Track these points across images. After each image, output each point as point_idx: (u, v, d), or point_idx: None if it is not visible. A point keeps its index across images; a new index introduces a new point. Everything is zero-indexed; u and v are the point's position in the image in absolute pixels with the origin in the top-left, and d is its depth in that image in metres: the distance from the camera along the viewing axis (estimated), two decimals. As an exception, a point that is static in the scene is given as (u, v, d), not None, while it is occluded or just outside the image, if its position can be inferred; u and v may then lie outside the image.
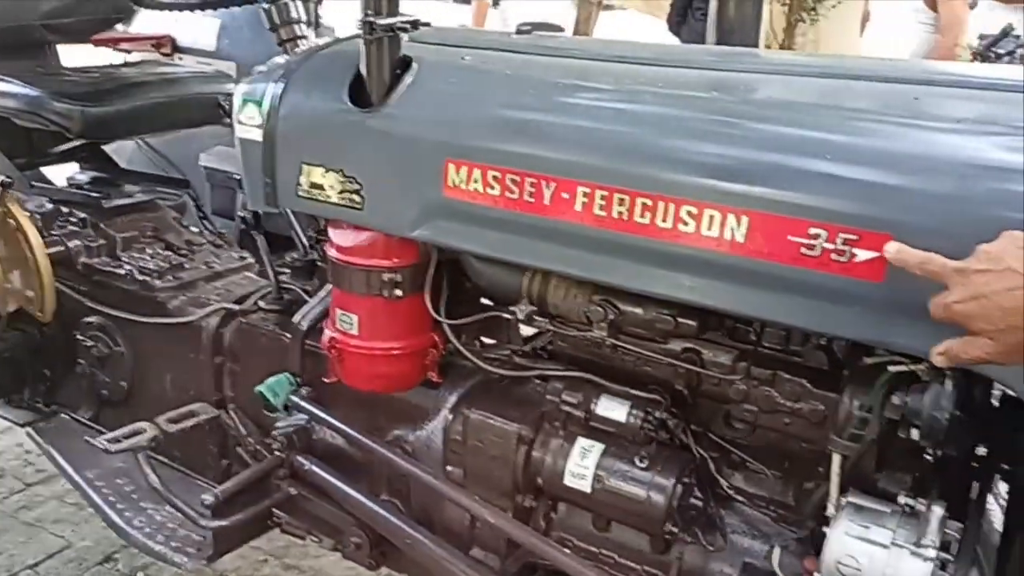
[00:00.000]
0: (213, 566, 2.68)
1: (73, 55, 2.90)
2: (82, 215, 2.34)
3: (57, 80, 2.32)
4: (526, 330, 1.65)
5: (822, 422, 1.32)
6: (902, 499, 1.20)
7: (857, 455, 1.24)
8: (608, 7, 11.50)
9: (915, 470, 1.27)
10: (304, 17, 1.96)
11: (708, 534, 1.48)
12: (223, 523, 1.78)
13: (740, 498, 1.48)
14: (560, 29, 1.82)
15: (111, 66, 2.70)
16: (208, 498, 1.75)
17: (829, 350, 1.35)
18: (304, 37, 1.92)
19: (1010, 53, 3.75)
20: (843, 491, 1.27)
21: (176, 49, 3.10)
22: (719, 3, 1.79)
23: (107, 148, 2.76)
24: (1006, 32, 3.39)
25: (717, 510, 1.49)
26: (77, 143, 2.40)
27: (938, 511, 1.18)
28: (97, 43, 3.12)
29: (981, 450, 1.39)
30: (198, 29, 3.02)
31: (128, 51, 3.15)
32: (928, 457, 1.22)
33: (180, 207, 2.61)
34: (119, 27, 3.12)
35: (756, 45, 1.83)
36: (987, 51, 3.74)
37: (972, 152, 1.08)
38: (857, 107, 1.20)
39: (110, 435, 1.85)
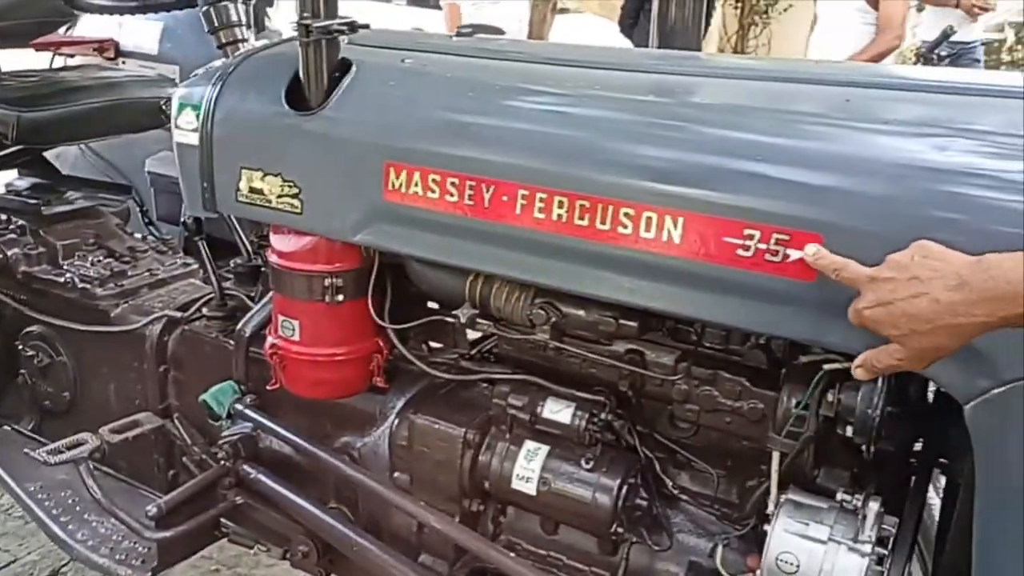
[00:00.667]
0: (164, 577, 2.64)
1: (13, 59, 2.83)
2: (21, 222, 2.29)
3: (-17, 84, 2.27)
4: (473, 334, 1.65)
5: (762, 420, 1.33)
6: (839, 495, 1.22)
7: (795, 452, 1.25)
8: (564, 10, 11.55)
9: (853, 466, 1.29)
10: (244, 20, 1.93)
11: (654, 534, 1.48)
12: (167, 534, 1.75)
13: (685, 497, 1.49)
14: (501, 32, 1.82)
15: (50, 70, 2.64)
16: (152, 509, 1.72)
17: (768, 349, 1.36)
18: (244, 40, 1.88)
19: (952, 56, 3.83)
20: (783, 488, 1.28)
21: (119, 53, 3.04)
22: (660, 6, 1.80)
23: (49, 154, 2.70)
24: (946, 35, 3.46)
25: (663, 510, 1.49)
26: (14, 149, 2.34)
27: (874, 507, 1.19)
28: (38, 47, 3.05)
29: (918, 445, 1.42)
30: (141, 33, 2.97)
31: (70, 55, 3.08)
32: (865, 453, 1.23)
33: (123, 213, 2.56)
34: (61, 31, 3.06)
35: (698, 48, 1.84)
36: (929, 53, 3.81)
37: (900, 153, 1.09)
38: (790, 109, 1.21)
39: (51, 447, 1.81)
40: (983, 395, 1.04)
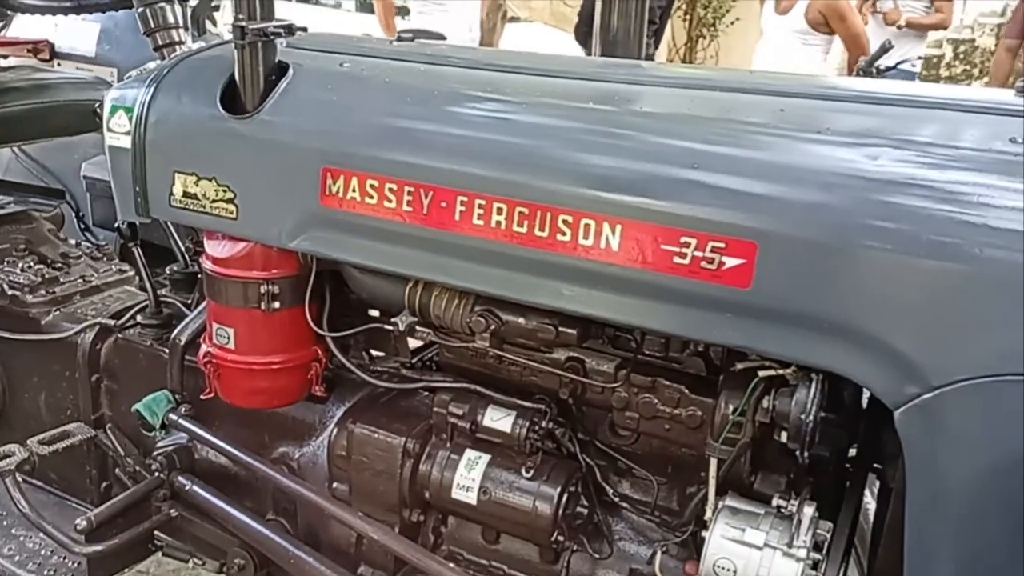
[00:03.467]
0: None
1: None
2: (-53, 228, 2.21)
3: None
4: (415, 343, 1.63)
5: (700, 427, 1.34)
6: (775, 501, 1.23)
7: (732, 459, 1.26)
8: (514, 19, 11.58)
9: (789, 472, 1.30)
10: (181, 22, 1.90)
11: (595, 542, 1.48)
12: (98, 548, 1.70)
13: (626, 505, 1.48)
14: (442, 37, 1.80)
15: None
16: (81, 523, 1.67)
17: (707, 357, 1.37)
18: (181, 42, 1.85)
19: (890, 68, 3.92)
20: (722, 495, 1.29)
21: (54, 55, 2.96)
22: (602, 16, 1.80)
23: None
24: (885, 48, 3.54)
25: (604, 517, 1.49)
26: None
27: (808, 512, 1.20)
28: (-31, 47, 2.96)
29: (854, 451, 1.43)
30: (77, 34, 2.89)
31: (3, 56, 2.99)
32: (800, 458, 1.25)
33: (57, 218, 2.49)
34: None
35: (639, 57, 1.85)
36: (869, 67, 3.89)
37: (834, 162, 1.10)
38: (726, 118, 1.22)
39: (-27, 459, 1.75)
40: (912, 401, 1.05)
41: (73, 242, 2.49)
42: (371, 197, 1.34)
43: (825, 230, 1.07)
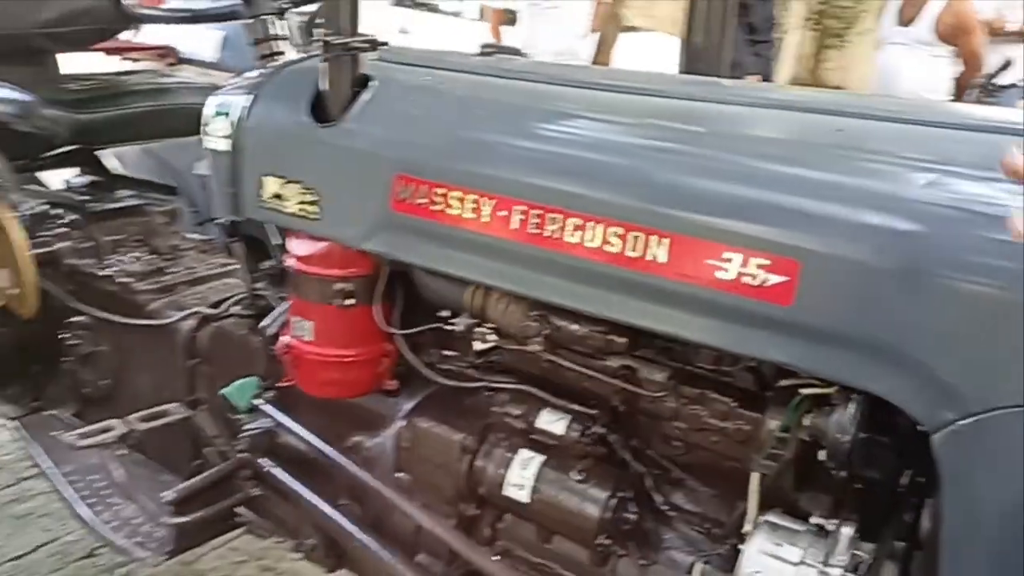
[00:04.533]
0: (191, 565, 2.75)
1: (84, 61, 3.00)
2: (71, 218, 2.41)
3: (52, 87, 2.40)
4: (482, 346, 1.69)
5: (747, 441, 1.35)
6: (815, 519, 1.23)
7: (775, 475, 1.27)
8: (631, 29, 11.54)
9: (836, 493, 1.30)
10: (286, 33, 2.02)
11: (643, 548, 1.50)
12: (183, 519, 1.83)
13: (675, 515, 1.50)
14: (520, 53, 1.87)
15: (107, 74, 2.78)
16: (169, 495, 1.81)
17: (758, 372, 1.38)
18: (282, 53, 1.98)
19: (1010, 87, 3.78)
20: (766, 511, 1.30)
21: (179, 60, 3.19)
22: (688, 31, 1.83)
23: (109, 153, 2.84)
24: (1005, 65, 3.42)
25: (654, 526, 1.51)
26: (70, 148, 2.48)
27: (847, 531, 1.20)
28: (109, 52, 3.21)
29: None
30: (201, 41, 3.11)
31: (135, 59, 3.24)
32: (847, 479, 1.25)
33: (171, 213, 2.68)
34: (128, 37, 3.21)
35: (722, 73, 1.87)
36: (988, 84, 3.76)
37: (880, 184, 1.11)
38: (778, 136, 1.23)
39: (80, 431, 1.92)
40: (949, 426, 1.04)
41: (187, 235, 2.67)
42: (436, 204, 1.41)
43: (869, 252, 1.08)
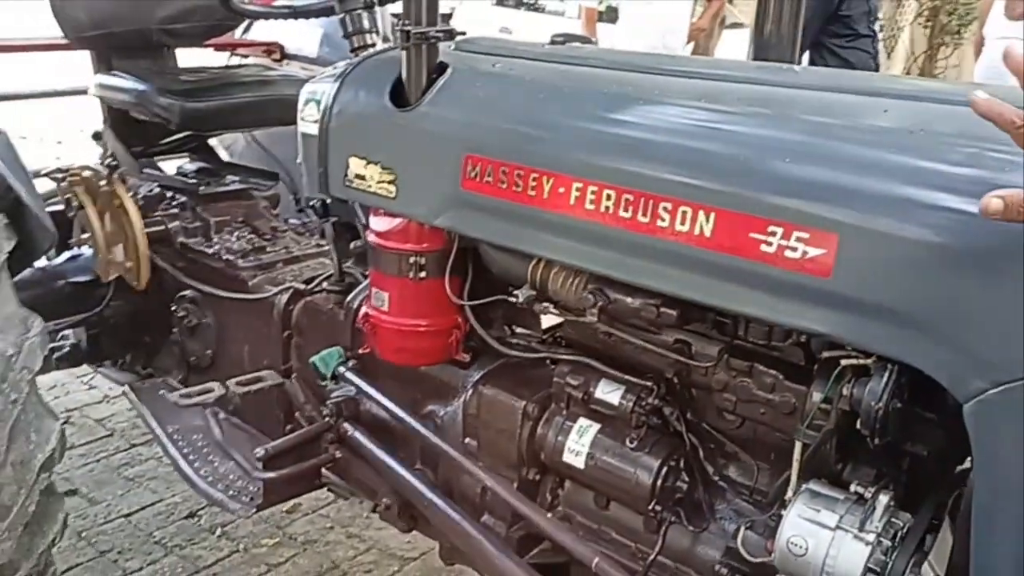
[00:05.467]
0: (284, 529, 2.93)
1: (197, 58, 3.23)
2: (183, 200, 2.62)
3: (166, 78, 2.61)
4: (550, 322, 1.78)
5: (793, 413, 1.39)
6: (854, 487, 1.27)
7: (817, 444, 1.31)
8: (737, 25, 11.42)
9: (876, 463, 1.33)
10: (375, 27, 2.16)
11: (694, 517, 1.56)
12: (272, 475, 1.98)
13: (726, 486, 1.56)
14: (591, 41, 1.94)
15: (217, 68, 2.99)
16: (260, 451, 1.96)
17: (806, 347, 1.42)
18: (372, 45, 2.11)
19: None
20: (809, 480, 1.34)
21: (284, 55, 3.38)
22: (757, 20, 1.87)
23: (219, 142, 3.06)
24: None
25: (705, 496, 1.57)
26: (184, 135, 2.69)
27: (884, 499, 1.24)
28: (217, 48, 3.43)
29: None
30: (303, 37, 3.29)
31: (244, 55, 3.45)
32: (887, 451, 1.28)
33: (273, 198, 2.87)
34: (237, 34, 3.43)
35: (793, 61, 1.90)
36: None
37: (917, 161, 1.14)
38: (822, 116, 1.27)
39: (184, 391, 2.10)
40: (980, 395, 1.07)
41: (287, 219, 2.85)
42: (503, 182, 1.51)
43: (902, 225, 1.12)
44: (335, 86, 1.81)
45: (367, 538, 2.91)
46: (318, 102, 1.83)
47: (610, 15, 7.34)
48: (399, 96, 1.70)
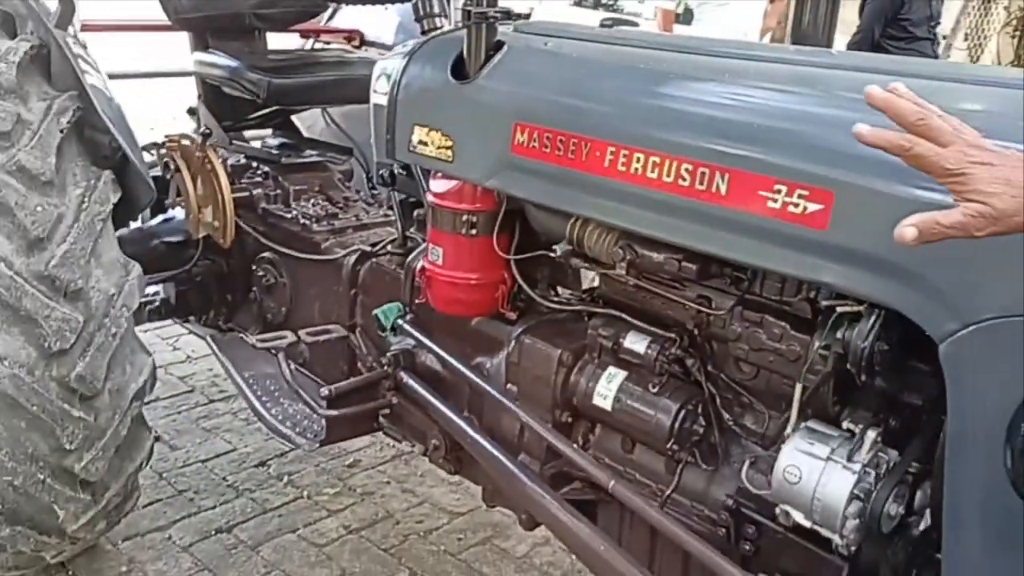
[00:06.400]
0: (345, 480, 3.16)
1: (285, 43, 3.49)
2: (266, 170, 2.87)
3: (257, 57, 2.86)
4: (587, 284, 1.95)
5: (797, 360, 1.53)
6: (845, 424, 1.41)
7: (815, 386, 1.45)
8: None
9: (867, 403, 1.46)
10: (444, 10, 2.36)
11: (708, 458, 1.71)
12: (334, 413, 2.19)
13: (740, 432, 1.70)
14: (636, 24, 2.10)
15: (303, 50, 3.24)
16: (324, 391, 2.17)
17: (814, 301, 1.55)
18: (441, 28, 2.31)
19: None
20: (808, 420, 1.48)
21: (363, 42, 3.61)
22: (795, 11, 2.01)
23: (299, 120, 3.31)
24: None
25: (719, 439, 1.71)
26: (269, 111, 2.94)
27: (871, 435, 1.38)
28: (303, 33, 3.69)
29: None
30: (381, 25, 3.51)
31: (327, 42, 3.70)
32: (878, 393, 1.41)
33: (347, 172, 3.10)
34: (322, 22, 3.68)
35: (829, 46, 2.03)
36: None
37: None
38: (830, 89, 1.41)
39: (260, 336, 2.33)
40: (953, 335, 1.20)
41: (357, 190, 3.08)
42: (547, 147, 1.68)
43: (889, 183, 1.25)
44: (404, 62, 2.01)
45: (420, 493, 3.12)
46: (388, 76, 2.04)
47: (686, 17, 7.45)
48: (459, 71, 1.89)
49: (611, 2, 12.06)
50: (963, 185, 1.00)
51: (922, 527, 1.42)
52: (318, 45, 3.56)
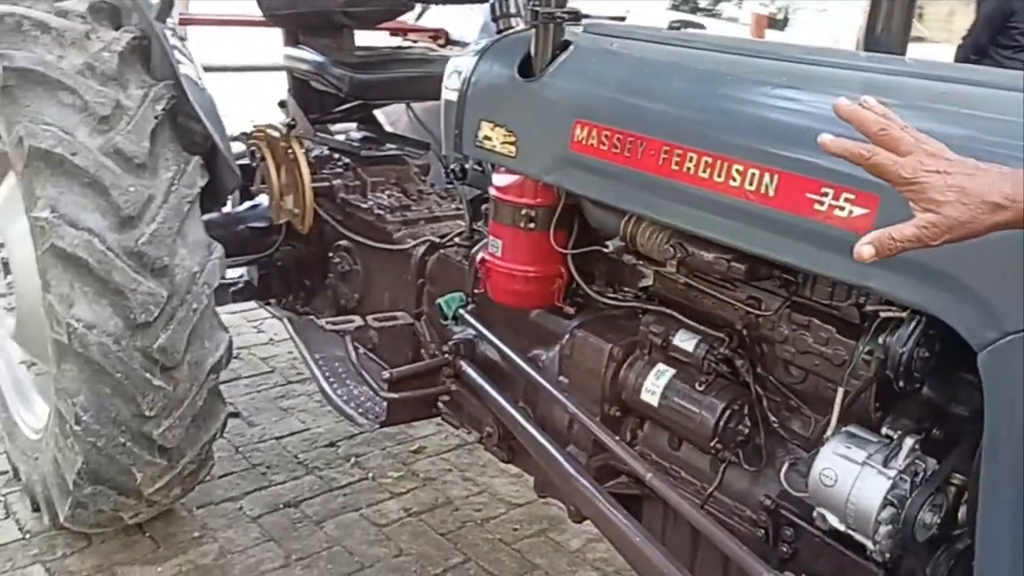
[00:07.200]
0: (409, 466, 3.25)
1: (373, 40, 3.60)
2: (346, 161, 2.98)
3: (343, 53, 2.98)
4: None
5: (843, 365, 1.52)
6: (884, 430, 1.40)
7: (857, 391, 1.44)
8: (920, 39, 10.95)
9: (909, 411, 1.45)
10: (522, 12, 2.41)
11: (753, 459, 1.72)
12: (395, 396, 2.28)
13: (786, 435, 1.70)
14: (702, 27, 2.11)
15: (388, 48, 3.35)
16: (386, 374, 2.26)
17: (862, 306, 1.55)
18: (516, 28, 2.37)
19: None
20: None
21: (448, 41, 3.71)
22: (869, 18, 1.99)
23: (384, 116, 3.42)
24: None
25: (765, 441, 1.72)
26: (352, 105, 3.05)
27: (909, 442, 1.37)
28: (393, 32, 3.81)
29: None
30: (467, 25, 3.60)
31: (415, 40, 3.80)
32: (920, 401, 1.40)
33: (424, 167, 3.19)
34: (410, 21, 3.79)
35: (903, 54, 2.00)
36: None
37: (955, 129, 1.27)
38: (885, 96, 1.40)
39: (330, 319, 2.43)
40: (991, 344, 1.19)
41: (430, 184, 3.16)
42: (604, 145, 1.72)
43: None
44: (475, 60, 2.08)
45: (480, 483, 3.19)
46: (459, 73, 2.11)
47: (781, 23, 7.33)
48: (526, 69, 1.94)
49: (710, 7, 11.96)
50: (917, 193, 1.03)
51: (968, 541, 1.40)
52: (405, 43, 3.67)
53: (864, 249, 1.05)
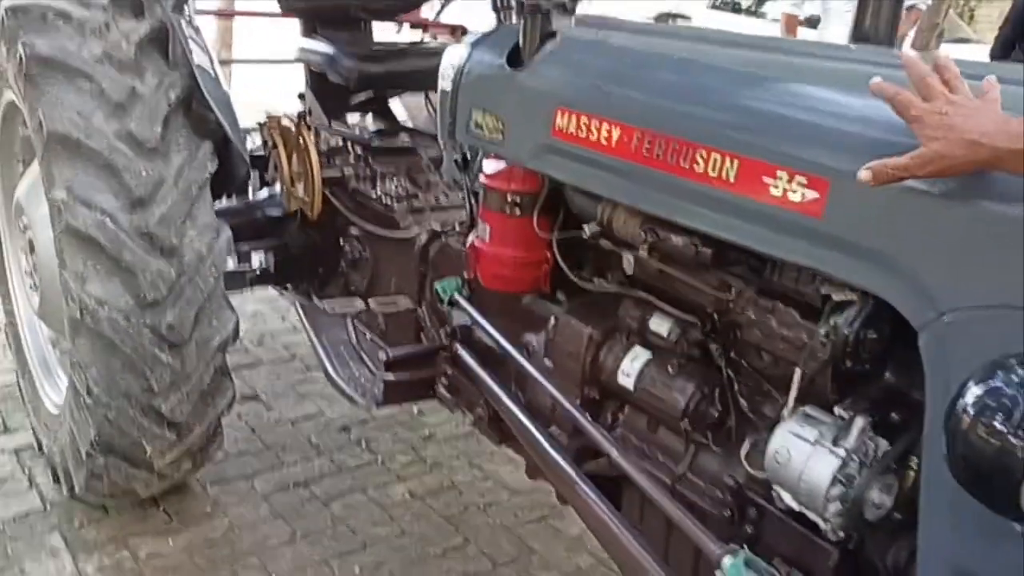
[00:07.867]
0: (418, 451, 3.32)
1: (391, 35, 3.68)
2: (359, 151, 3.06)
3: (356, 46, 3.06)
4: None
5: (803, 347, 1.55)
6: (837, 410, 1.43)
7: (813, 372, 1.47)
8: (963, 40, 10.76)
9: (862, 391, 1.47)
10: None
11: (723, 441, 1.75)
12: (391, 378, 2.34)
13: (756, 418, 1.73)
14: (688, 19, 2.14)
15: (403, 42, 3.42)
16: (383, 355, 2.33)
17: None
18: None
19: None
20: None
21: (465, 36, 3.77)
22: (858, 11, 2.01)
23: (404, 109, 3.49)
24: None
25: (736, 424, 1.75)
26: (366, 96, 3.13)
27: (860, 422, 1.39)
28: (412, 26, 3.88)
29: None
30: (481, 21, 3.66)
31: (434, 36, 3.87)
32: (874, 382, 1.43)
33: (437, 158, 3.25)
34: (429, 16, 3.86)
35: (891, 46, 2.01)
36: None
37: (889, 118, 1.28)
38: (844, 83, 1.43)
39: (331, 301, 2.51)
40: (930, 323, 1.22)
41: (440, 175, 3.23)
42: (582, 132, 1.77)
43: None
44: (468, 50, 2.14)
45: (487, 470, 3.24)
46: (454, 64, 2.17)
47: (811, 21, 7.23)
48: (515, 58, 2.00)
49: (752, 6, 11.85)
50: (918, 130, 1.14)
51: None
52: (426, 38, 3.74)
53: (863, 173, 1.18)
